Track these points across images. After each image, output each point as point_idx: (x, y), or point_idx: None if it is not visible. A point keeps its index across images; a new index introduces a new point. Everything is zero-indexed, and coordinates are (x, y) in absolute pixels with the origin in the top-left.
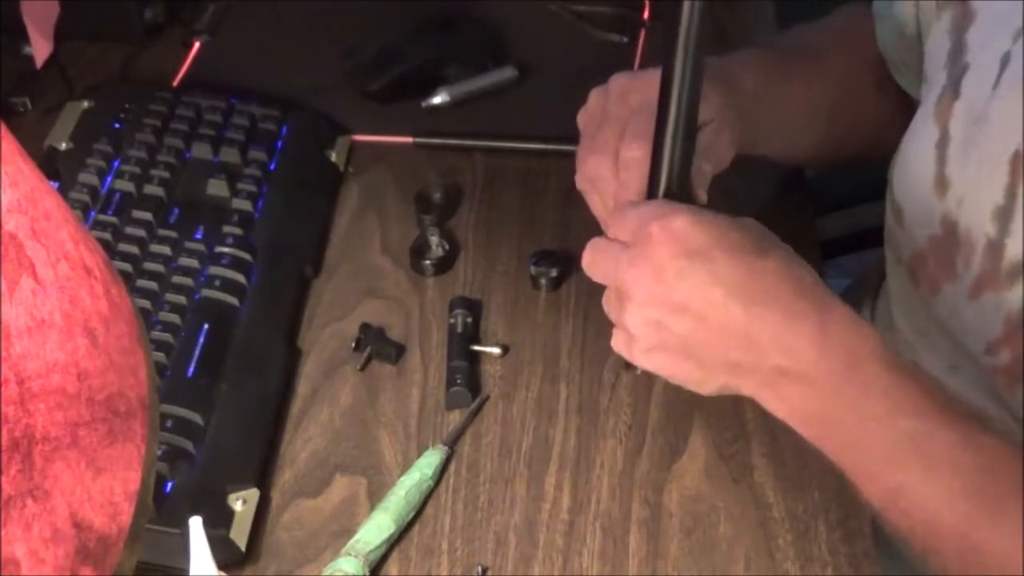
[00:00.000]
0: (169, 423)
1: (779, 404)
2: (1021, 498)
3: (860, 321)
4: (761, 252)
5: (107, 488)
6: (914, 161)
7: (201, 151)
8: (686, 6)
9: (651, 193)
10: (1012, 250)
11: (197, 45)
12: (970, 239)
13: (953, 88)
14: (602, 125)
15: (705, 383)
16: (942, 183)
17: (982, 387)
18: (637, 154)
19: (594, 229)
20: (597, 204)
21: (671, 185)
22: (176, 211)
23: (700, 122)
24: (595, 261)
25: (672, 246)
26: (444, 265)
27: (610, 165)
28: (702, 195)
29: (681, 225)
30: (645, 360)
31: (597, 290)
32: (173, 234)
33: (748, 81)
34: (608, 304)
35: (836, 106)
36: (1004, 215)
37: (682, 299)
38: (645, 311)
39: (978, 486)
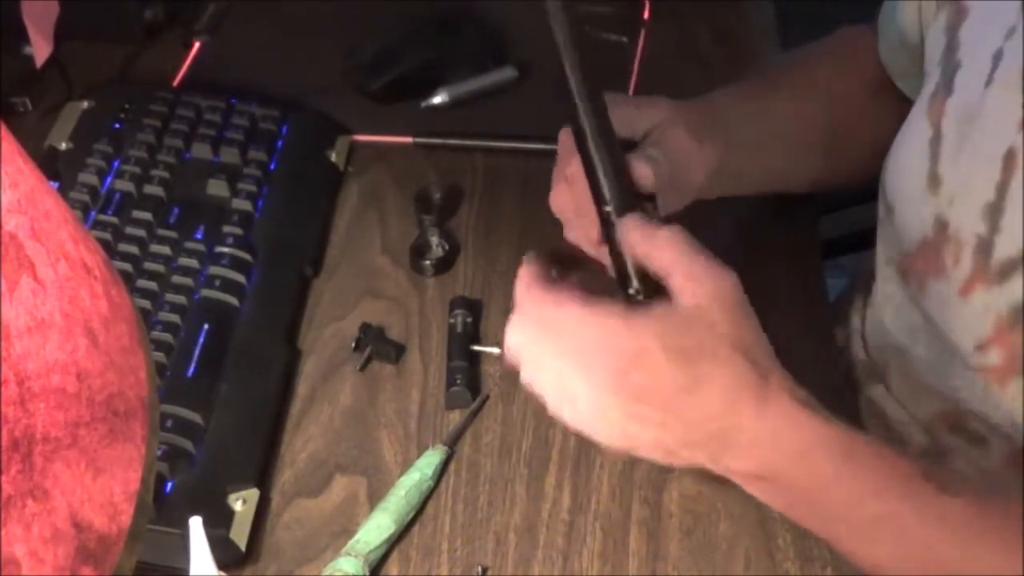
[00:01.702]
0: (169, 423)
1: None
2: (989, 551)
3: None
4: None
5: (107, 488)
6: (907, 159)
7: (201, 151)
8: (551, 7)
9: (595, 195)
10: (1002, 248)
11: (197, 45)
12: (960, 237)
13: (946, 85)
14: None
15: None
16: (934, 181)
17: (972, 387)
18: (574, 168)
19: None
20: (570, 230)
21: (610, 183)
22: (176, 211)
23: (651, 125)
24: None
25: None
26: (444, 265)
27: (563, 189)
28: (646, 173)
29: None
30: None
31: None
32: (173, 234)
33: (721, 96)
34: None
35: (833, 124)
36: (994, 212)
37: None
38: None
39: (950, 556)
